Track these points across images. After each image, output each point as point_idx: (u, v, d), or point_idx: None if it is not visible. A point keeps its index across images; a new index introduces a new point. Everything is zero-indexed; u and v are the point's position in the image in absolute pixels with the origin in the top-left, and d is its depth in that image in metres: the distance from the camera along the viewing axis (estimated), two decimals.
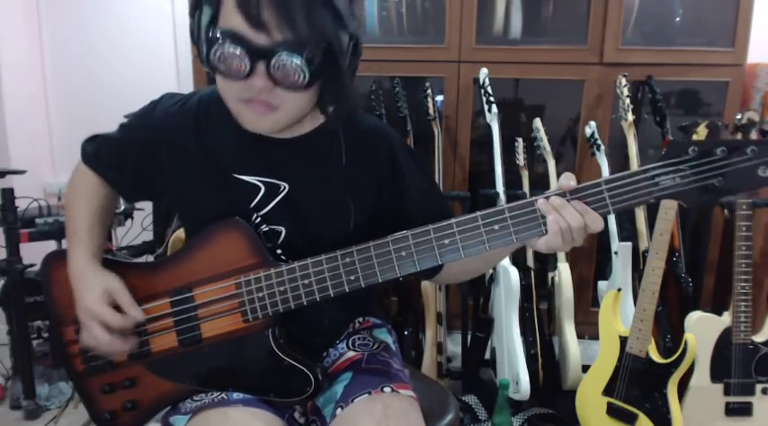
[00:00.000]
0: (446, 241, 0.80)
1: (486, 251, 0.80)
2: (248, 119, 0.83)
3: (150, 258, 2.14)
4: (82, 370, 0.96)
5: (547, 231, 0.77)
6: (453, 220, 0.80)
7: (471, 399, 1.90)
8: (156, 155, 0.93)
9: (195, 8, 0.79)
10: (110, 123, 1.01)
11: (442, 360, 1.93)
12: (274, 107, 0.80)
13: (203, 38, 0.78)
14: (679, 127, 1.51)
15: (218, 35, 0.75)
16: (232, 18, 0.74)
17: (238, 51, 0.74)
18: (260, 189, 0.92)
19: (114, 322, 0.88)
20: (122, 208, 2.08)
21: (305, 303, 0.86)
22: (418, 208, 0.96)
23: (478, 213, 0.79)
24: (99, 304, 0.88)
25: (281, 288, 0.86)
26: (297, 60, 0.74)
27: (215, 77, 0.81)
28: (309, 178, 0.92)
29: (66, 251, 0.98)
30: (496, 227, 0.79)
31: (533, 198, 0.78)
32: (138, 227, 2.21)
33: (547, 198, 0.77)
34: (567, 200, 0.76)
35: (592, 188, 0.76)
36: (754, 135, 1.47)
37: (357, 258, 0.83)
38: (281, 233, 0.93)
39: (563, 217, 0.76)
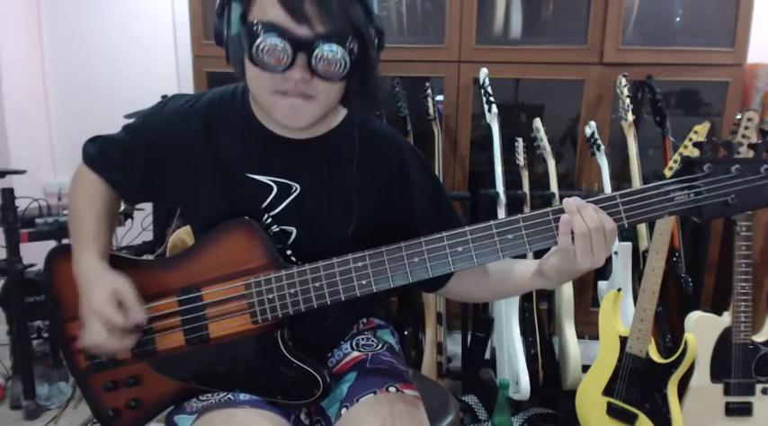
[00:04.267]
0: (459, 248, 0.81)
1: (499, 259, 0.81)
2: (283, 112, 0.83)
3: (150, 258, 2.14)
4: (85, 367, 0.96)
5: (558, 242, 0.78)
6: (467, 228, 0.81)
7: (471, 399, 1.90)
8: (166, 156, 0.93)
9: (223, 6, 0.80)
10: (109, 123, 1.01)
11: (442, 360, 1.93)
12: (310, 97, 0.82)
13: (241, 33, 0.79)
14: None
15: (259, 28, 0.76)
16: (270, 11, 0.76)
17: (281, 43, 0.75)
18: (272, 189, 0.92)
19: (117, 322, 0.87)
20: (122, 208, 2.07)
21: (315, 306, 0.86)
22: (427, 218, 0.97)
23: (492, 222, 0.80)
24: (105, 304, 0.87)
25: (292, 291, 0.86)
26: (339, 52, 0.77)
27: (245, 72, 0.82)
28: (321, 181, 0.93)
29: (69, 246, 0.97)
30: (510, 236, 0.80)
31: (548, 209, 0.79)
32: (138, 227, 2.21)
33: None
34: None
35: (607, 201, 0.77)
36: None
37: (369, 263, 0.83)
38: (291, 233, 0.93)
39: (584, 218, 0.76)
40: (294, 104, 0.81)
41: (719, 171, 0.73)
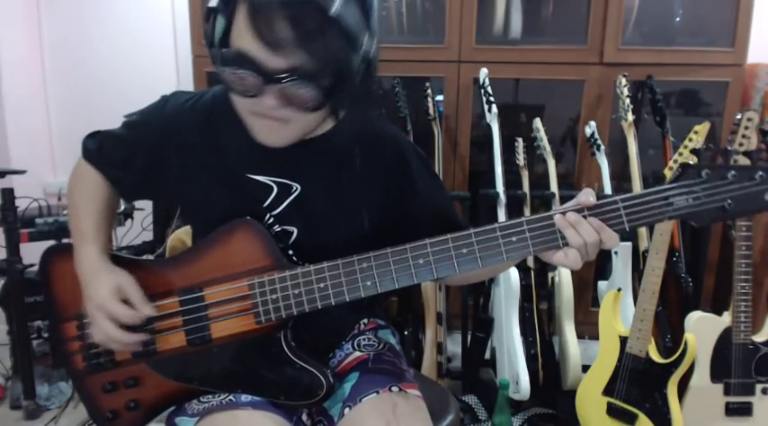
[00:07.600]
0: (464, 250, 0.81)
1: (503, 262, 0.81)
2: (259, 133, 0.83)
3: (150, 258, 2.14)
4: (82, 368, 0.95)
5: (563, 245, 0.79)
6: (472, 230, 0.81)
7: (471, 399, 1.90)
8: (166, 153, 0.92)
9: (209, 15, 0.77)
10: (110, 123, 1.00)
11: (442, 360, 1.93)
12: (286, 121, 0.80)
13: (216, 50, 0.77)
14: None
15: (230, 55, 0.74)
16: (244, 37, 0.72)
17: (250, 75, 0.74)
18: (272, 189, 0.91)
19: (125, 317, 0.87)
20: (122, 207, 2.08)
21: (319, 307, 0.85)
22: (427, 215, 0.96)
23: (497, 224, 0.80)
24: (110, 300, 0.87)
25: (296, 291, 0.86)
26: (309, 88, 0.74)
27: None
28: (321, 180, 0.92)
29: (66, 245, 0.97)
30: (514, 239, 0.80)
31: (552, 212, 0.79)
32: (138, 227, 2.21)
33: (564, 213, 0.78)
34: (584, 216, 0.78)
35: (608, 205, 0.78)
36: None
37: (374, 263, 0.83)
38: (292, 233, 0.93)
39: (579, 233, 0.77)
40: (271, 125, 0.80)
41: (716, 177, 0.75)
